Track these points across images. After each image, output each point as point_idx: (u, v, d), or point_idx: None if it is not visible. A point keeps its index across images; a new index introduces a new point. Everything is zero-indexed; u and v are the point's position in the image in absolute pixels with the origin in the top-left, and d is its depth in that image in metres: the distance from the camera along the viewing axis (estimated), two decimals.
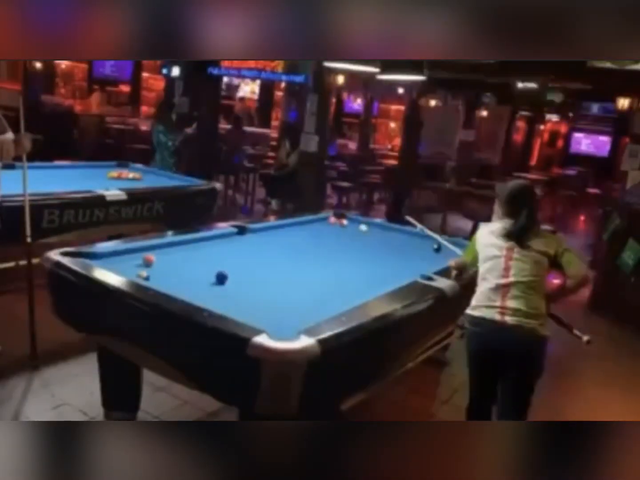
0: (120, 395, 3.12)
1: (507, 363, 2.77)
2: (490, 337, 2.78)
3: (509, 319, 2.71)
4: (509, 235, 2.81)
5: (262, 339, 2.05)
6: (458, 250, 3.51)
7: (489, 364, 2.83)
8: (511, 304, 2.72)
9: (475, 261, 2.96)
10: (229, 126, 11.14)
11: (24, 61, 10.88)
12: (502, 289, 2.75)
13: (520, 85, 10.36)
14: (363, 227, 4.45)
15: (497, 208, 3.02)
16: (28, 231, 3.74)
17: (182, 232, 3.57)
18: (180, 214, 5.00)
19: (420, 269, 3.22)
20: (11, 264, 4.82)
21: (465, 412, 2.99)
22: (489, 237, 2.88)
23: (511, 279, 2.75)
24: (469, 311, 2.86)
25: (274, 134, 13.71)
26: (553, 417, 3.57)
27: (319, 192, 8.45)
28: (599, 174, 16.25)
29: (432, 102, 14.06)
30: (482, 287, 2.84)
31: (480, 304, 2.81)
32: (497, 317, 2.74)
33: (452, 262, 3.23)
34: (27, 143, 3.84)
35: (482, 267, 2.87)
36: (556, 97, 11.89)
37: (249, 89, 17.04)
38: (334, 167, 10.72)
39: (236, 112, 13.73)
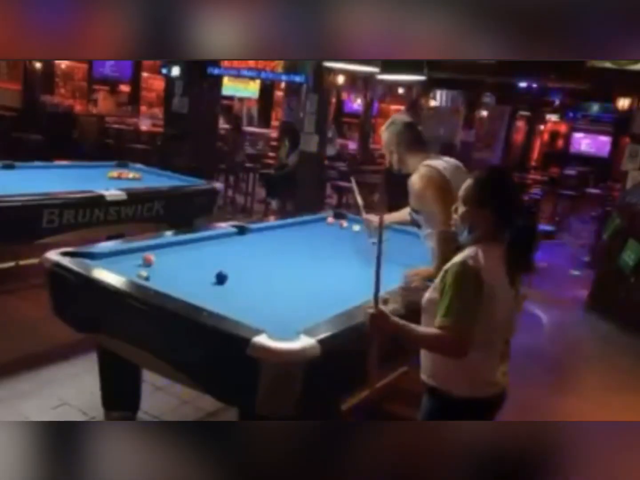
0: (120, 395, 3.12)
1: None
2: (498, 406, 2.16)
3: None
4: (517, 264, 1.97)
5: (262, 339, 2.05)
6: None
7: None
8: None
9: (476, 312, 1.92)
10: (228, 126, 11.14)
11: (24, 61, 10.89)
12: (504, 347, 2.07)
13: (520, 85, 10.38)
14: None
15: (465, 213, 2.03)
16: None
17: (182, 232, 3.57)
18: (180, 214, 5.00)
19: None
20: (11, 264, 4.83)
21: None
22: (499, 272, 1.94)
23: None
24: (468, 392, 2.06)
25: (274, 134, 13.72)
26: (553, 417, 3.57)
27: (319, 192, 8.45)
28: (599, 174, 16.25)
29: (432, 102, 14.06)
30: (490, 351, 2.02)
31: (492, 375, 2.07)
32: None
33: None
34: None
35: (491, 320, 1.95)
36: (556, 97, 11.91)
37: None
38: (334, 167, 10.71)
39: (235, 112, 13.73)
